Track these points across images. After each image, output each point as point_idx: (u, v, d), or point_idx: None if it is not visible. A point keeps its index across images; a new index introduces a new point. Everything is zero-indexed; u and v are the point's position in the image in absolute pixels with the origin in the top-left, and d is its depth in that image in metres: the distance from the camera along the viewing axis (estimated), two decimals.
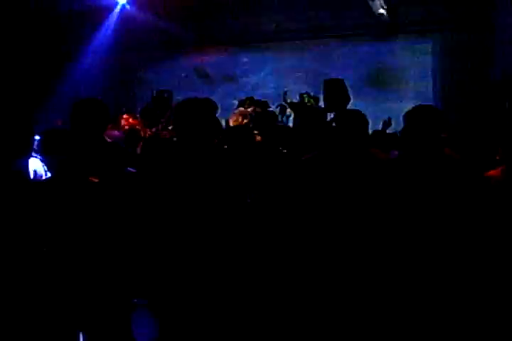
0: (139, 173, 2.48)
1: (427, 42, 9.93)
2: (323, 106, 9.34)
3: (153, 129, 6.98)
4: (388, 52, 10.05)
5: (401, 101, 8.70)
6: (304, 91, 9.25)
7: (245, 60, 11.01)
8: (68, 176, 2.65)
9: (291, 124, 8.61)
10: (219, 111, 4.23)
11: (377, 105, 8.43)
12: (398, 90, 9.83)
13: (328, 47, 10.40)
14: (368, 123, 3.55)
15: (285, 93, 7.36)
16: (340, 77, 9.28)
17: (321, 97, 9.36)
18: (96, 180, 2.48)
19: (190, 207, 2.43)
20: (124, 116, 7.77)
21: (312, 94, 9.33)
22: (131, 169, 2.82)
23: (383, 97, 9.58)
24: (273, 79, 10.86)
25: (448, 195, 3.00)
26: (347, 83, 9.06)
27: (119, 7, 10.12)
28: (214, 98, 2.68)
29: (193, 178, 2.41)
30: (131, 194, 2.53)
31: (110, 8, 10.12)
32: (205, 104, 2.51)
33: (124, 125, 7.42)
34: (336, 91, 9.18)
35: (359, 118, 3.47)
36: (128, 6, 9.78)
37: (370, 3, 9.01)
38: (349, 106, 8.76)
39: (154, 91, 9.50)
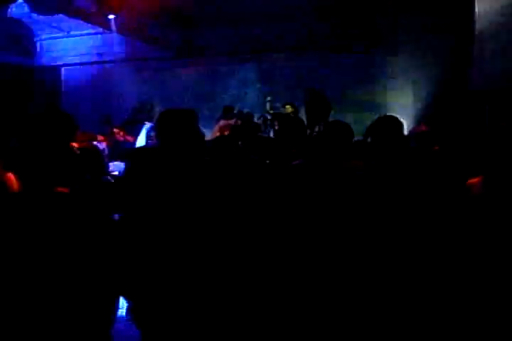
0: (121, 181, 2.50)
1: (407, 52, 10.04)
2: (300, 116, 9.43)
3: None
4: (368, 63, 10.14)
5: (381, 112, 8.79)
6: (287, 101, 9.31)
7: (228, 70, 11.05)
8: (34, 189, 2.70)
9: (272, 134, 8.65)
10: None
11: (357, 115, 8.49)
12: (379, 100, 9.92)
13: (309, 57, 10.47)
14: (353, 133, 3.64)
15: (269, 101, 7.42)
16: (321, 87, 9.38)
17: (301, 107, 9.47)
18: (65, 191, 2.48)
19: (174, 216, 2.43)
20: (115, 130, 7.88)
21: (296, 104, 9.41)
22: (109, 178, 2.83)
23: (363, 107, 9.65)
24: (254, 90, 10.92)
25: (419, 202, 3.07)
26: (327, 93, 9.14)
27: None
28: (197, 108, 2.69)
29: (176, 186, 2.42)
30: (108, 202, 2.53)
31: None
32: (186, 114, 2.52)
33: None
34: (317, 101, 9.27)
35: (346, 129, 3.58)
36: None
37: None
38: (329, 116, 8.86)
39: (136, 103, 9.51)
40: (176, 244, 2.47)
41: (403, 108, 9.31)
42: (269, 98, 9.40)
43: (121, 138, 7.78)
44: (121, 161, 3.83)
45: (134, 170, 2.51)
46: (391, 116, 3.37)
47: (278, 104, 9.12)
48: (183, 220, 2.46)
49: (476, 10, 7.13)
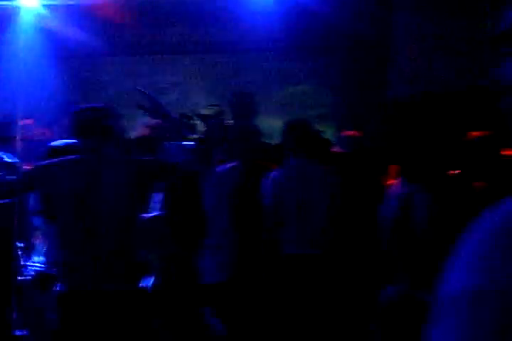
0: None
1: (324, 61, 10.23)
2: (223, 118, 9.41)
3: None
4: (290, 68, 10.24)
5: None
6: (210, 103, 9.27)
7: (149, 70, 10.90)
8: None
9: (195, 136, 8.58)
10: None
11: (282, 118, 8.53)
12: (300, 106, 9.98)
13: (231, 60, 10.49)
14: (261, 136, 3.76)
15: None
16: (249, 90, 9.39)
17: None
18: None
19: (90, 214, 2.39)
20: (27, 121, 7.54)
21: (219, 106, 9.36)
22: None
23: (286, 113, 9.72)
24: (176, 91, 10.83)
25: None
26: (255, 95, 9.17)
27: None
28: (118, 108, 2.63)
29: (91, 182, 2.38)
30: None
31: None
32: (101, 111, 2.46)
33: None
34: (244, 104, 9.29)
35: (253, 132, 3.71)
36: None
37: None
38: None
39: (65, 101, 9.26)
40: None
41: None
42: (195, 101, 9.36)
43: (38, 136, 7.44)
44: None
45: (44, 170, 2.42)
46: (299, 119, 3.54)
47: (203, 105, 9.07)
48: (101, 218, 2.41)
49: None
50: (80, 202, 2.39)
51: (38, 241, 3.24)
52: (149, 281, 2.92)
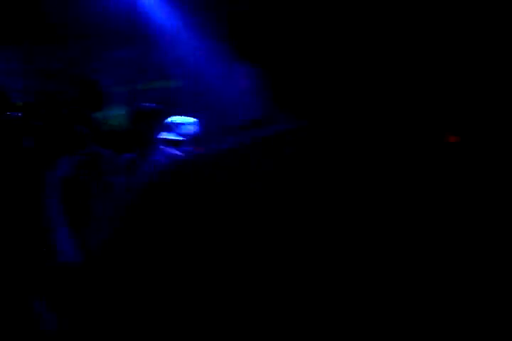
0: None
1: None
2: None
3: None
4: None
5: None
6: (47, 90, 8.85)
7: None
8: None
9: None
10: None
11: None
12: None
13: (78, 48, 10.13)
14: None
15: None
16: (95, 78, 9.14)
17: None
18: None
19: None
20: None
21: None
22: None
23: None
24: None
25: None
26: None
27: None
28: None
29: None
30: None
31: None
32: None
33: None
34: (92, 92, 9.04)
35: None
36: None
37: None
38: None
39: None
40: None
41: None
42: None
43: None
44: None
45: None
46: (151, 107, 3.56)
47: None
48: None
49: None
50: None
51: None
52: None
